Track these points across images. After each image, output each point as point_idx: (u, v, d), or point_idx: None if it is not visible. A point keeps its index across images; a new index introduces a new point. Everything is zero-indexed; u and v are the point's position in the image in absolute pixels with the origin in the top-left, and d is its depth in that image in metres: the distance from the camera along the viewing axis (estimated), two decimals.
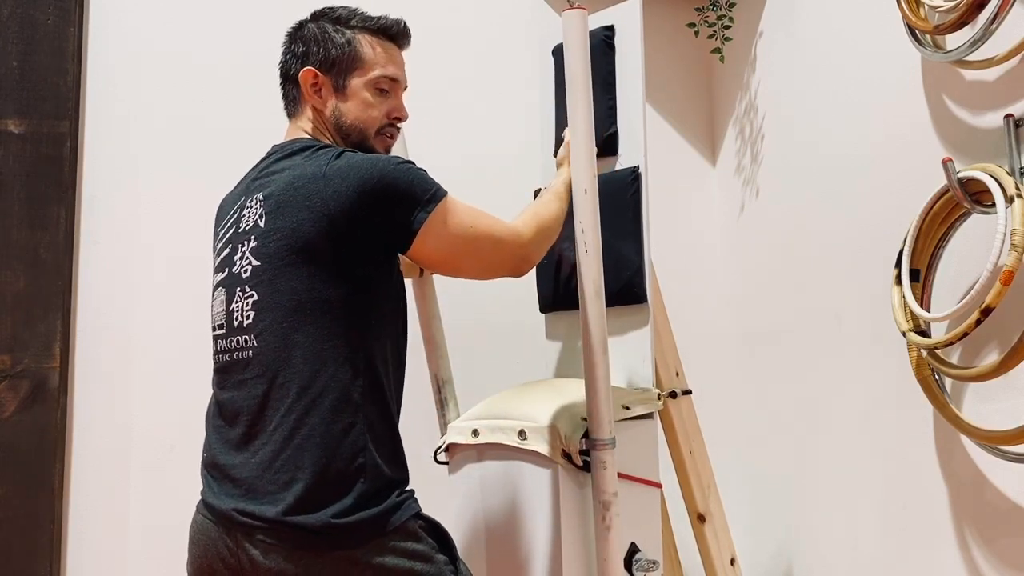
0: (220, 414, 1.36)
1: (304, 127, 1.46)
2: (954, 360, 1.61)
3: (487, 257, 1.41)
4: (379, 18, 1.49)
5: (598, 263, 1.56)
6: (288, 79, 1.49)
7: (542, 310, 2.04)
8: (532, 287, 2.05)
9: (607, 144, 1.91)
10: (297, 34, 1.49)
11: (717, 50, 2.40)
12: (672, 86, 2.59)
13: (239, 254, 1.35)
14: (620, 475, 1.59)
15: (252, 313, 1.31)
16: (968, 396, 1.60)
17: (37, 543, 1.99)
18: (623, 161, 1.92)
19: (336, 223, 1.26)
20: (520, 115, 2.38)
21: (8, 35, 2.11)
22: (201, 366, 2.14)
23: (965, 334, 1.42)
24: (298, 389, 1.26)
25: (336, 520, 1.21)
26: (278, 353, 1.27)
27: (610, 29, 1.94)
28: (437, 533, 1.37)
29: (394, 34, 1.50)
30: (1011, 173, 1.45)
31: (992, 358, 1.51)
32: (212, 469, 1.34)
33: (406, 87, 1.55)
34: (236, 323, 1.33)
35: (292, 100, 1.49)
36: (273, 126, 2.29)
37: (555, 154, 2.04)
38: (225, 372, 1.36)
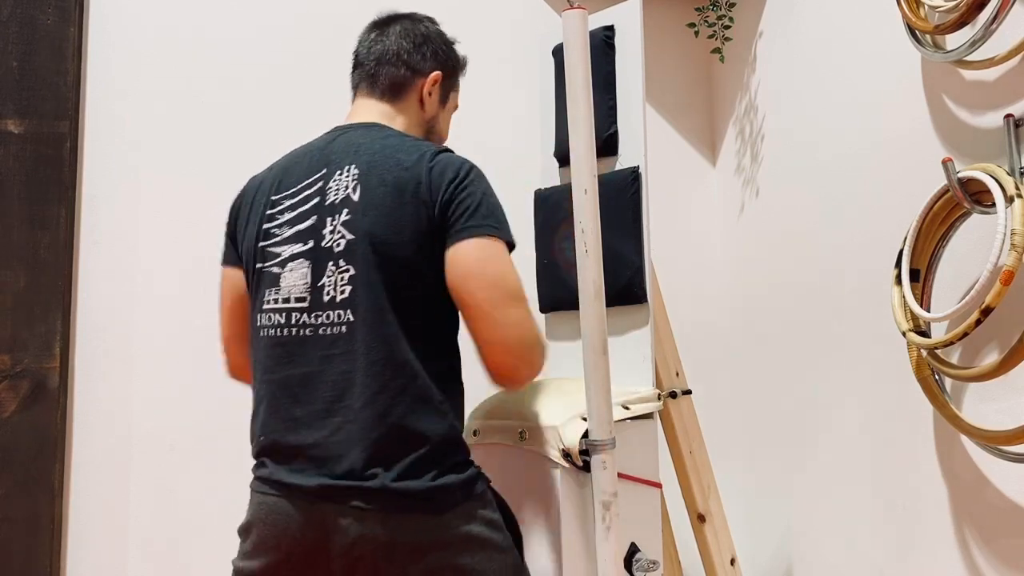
0: (286, 391, 1.34)
1: (393, 114, 1.51)
2: (954, 360, 1.61)
3: (507, 315, 1.35)
4: (463, 58, 1.66)
5: (598, 263, 1.56)
6: (406, 65, 1.53)
7: (542, 310, 2.04)
8: (532, 287, 2.05)
9: (607, 144, 1.91)
10: (421, 29, 1.57)
11: (717, 50, 2.40)
12: (672, 86, 2.59)
13: (329, 227, 1.35)
14: (620, 475, 1.59)
15: (349, 288, 1.32)
16: (968, 396, 1.60)
17: (37, 543, 1.99)
18: (623, 161, 1.92)
19: (432, 211, 1.33)
20: (520, 115, 2.38)
21: (8, 35, 2.11)
22: (201, 366, 2.14)
23: (965, 334, 1.42)
24: (393, 367, 1.29)
25: (435, 483, 1.27)
26: (375, 330, 1.30)
27: (610, 29, 1.94)
28: (502, 506, 1.44)
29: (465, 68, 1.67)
30: (1011, 173, 1.45)
31: (992, 358, 1.51)
32: (277, 451, 1.33)
33: None
34: (327, 297, 1.33)
35: (397, 85, 1.52)
36: (273, 125, 2.30)
37: (555, 154, 2.04)
38: (300, 346, 1.34)
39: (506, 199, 2.35)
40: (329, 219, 1.35)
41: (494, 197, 1.41)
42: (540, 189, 2.06)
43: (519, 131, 2.36)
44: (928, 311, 1.60)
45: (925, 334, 1.59)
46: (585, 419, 1.58)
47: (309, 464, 1.28)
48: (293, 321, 1.35)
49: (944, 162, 1.50)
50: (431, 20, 1.60)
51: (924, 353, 1.60)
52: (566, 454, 1.59)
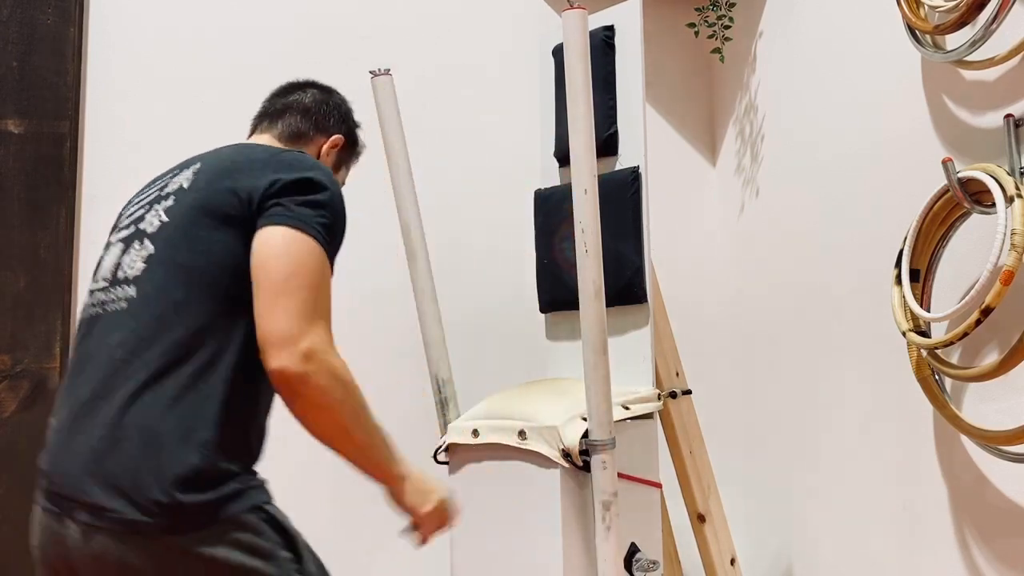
0: (71, 373, 1.24)
1: None
2: (954, 360, 1.61)
3: (284, 302, 1.15)
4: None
5: (598, 263, 1.56)
6: (312, 120, 1.51)
7: (542, 310, 2.04)
8: (532, 287, 2.05)
9: (607, 144, 1.91)
10: (335, 99, 1.58)
11: (717, 50, 2.40)
12: (672, 86, 2.59)
13: (152, 212, 1.29)
14: (620, 475, 1.59)
15: (143, 266, 1.22)
16: (968, 396, 1.60)
17: None
18: (623, 161, 1.92)
19: (253, 196, 1.21)
20: (520, 115, 2.38)
21: (8, 35, 2.11)
22: None
23: (965, 334, 1.42)
24: (161, 349, 1.15)
25: (165, 500, 1.08)
26: (151, 308, 1.18)
27: (610, 29, 1.94)
28: (282, 529, 1.21)
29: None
30: (1011, 173, 1.45)
31: (992, 358, 1.51)
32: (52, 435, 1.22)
33: None
34: (121, 275, 1.24)
35: (296, 135, 1.50)
36: None
37: (555, 154, 2.04)
38: (87, 325, 1.25)
39: (506, 199, 2.37)
40: (156, 205, 1.29)
41: (333, 184, 1.29)
42: (540, 189, 2.06)
43: (519, 131, 2.36)
44: (928, 311, 1.60)
45: (925, 334, 1.59)
46: (585, 419, 1.58)
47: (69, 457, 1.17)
48: (91, 301, 1.28)
49: (944, 162, 1.50)
50: (345, 99, 1.61)
51: (924, 353, 1.60)
52: (566, 454, 1.59)
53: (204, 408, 1.14)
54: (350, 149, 1.58)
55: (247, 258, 1.19)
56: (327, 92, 1.59)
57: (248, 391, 1.19)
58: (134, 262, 1.24)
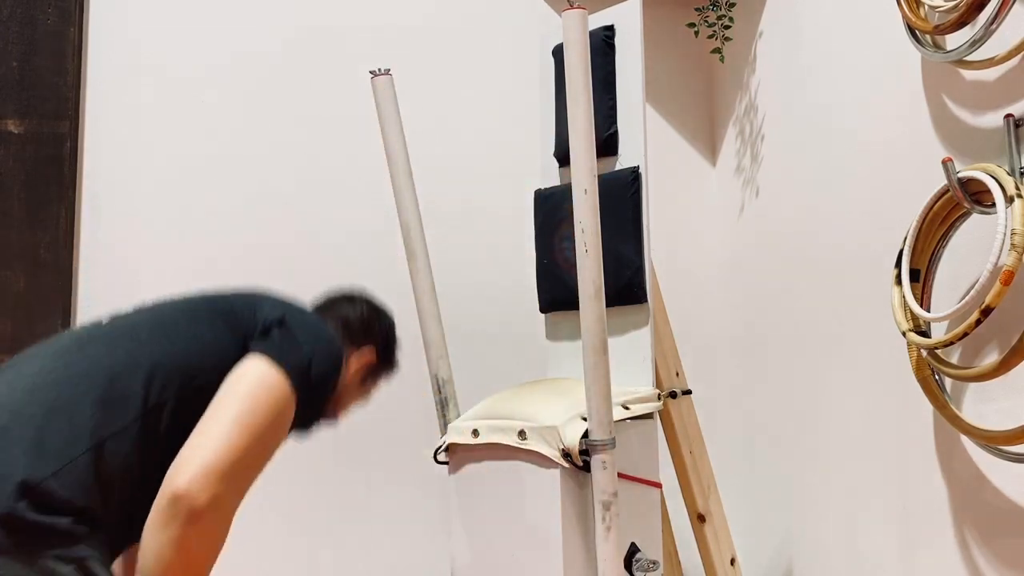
0: None
1: None
2: (954, 360, 1.61)
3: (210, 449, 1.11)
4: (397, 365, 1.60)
5: (598, 263, 1.56)
6: (346, 327, 1.47)
7: (542, 310, 2.04)
8: (532, 287, 2.05)
9: (607, 144, 1.91)
10: (385, 321, 1.55)
11: (717, 50, 2.40)
12: (672, 86, 2.59)
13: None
14: (620, 475, 1.59)
15: None
16: (968, 396, 1.60)
17: None
18: (623, 161, 1.92)
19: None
20: (520, 115, 2.38)
21: (8, 35, 2.11)
22: None
23: (965, 334, 1.42)
24: None
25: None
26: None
27: (610, 29, 1.94)
28: None
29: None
30: (1011, 173, 1.45)
31: (992, 358, 1.51)
32: None
33: None
34: None
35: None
36: (273, 125, 2.30)
37: (555, 154, 2.04)
38: None
39: (506, 199, 2.37)
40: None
41: (322, 342, 1.31)
42: (540, 189, 2.06)
43: (519, 131, 2.36)
44: (928, 311, 1.60)
45: (925, 334, 1.59)
46: (585, 419, 1.58)
47: None
48: None
49: (944, 162, 1.50)
50: (390, 324, 1.57)
51: (924, 353, 1.60)
52: (566, 454, 1.59)
53: None
54: (380, 368, 1.54)
55: None
56: (375, 311, 1.55)
57: None
58: None
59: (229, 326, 1.26)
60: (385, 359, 1.54)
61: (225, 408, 1.15)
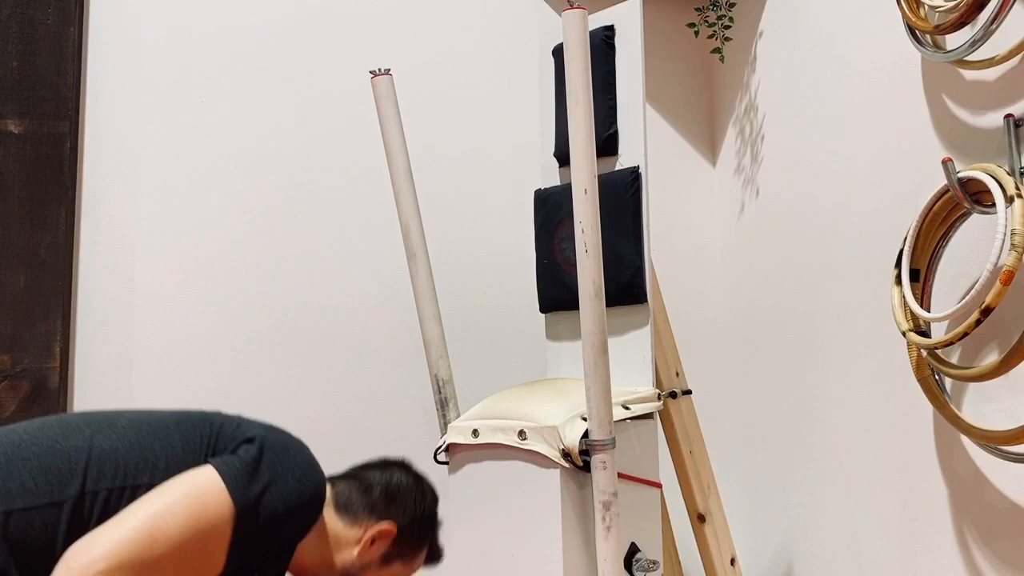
0: None
1: (337, 531, 1.33)
2: (954, 360, 1.61)
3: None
4: (441, 544, 1.47)
5: (598, 263, 1.56)
6: (368, 495, 1.37)
7: (542, 310, 2.04)
8: (532, 287, 2.05)
9: (607, 144, 1.91)
10: (414, 489, 1.43)
11: (717, 50, 2.40)
12: (672, 86, 2.59)
13: None
14: (620, 475, 1.59)
15: None
16: (968, 396, 1.60)
17: None
18: (623, 161, 1.92)
19: None
20: (520, 115, 2.38)
21: (8, 35, 2.11)
22: (201, 366, 2.14)
23: (965, 334, 1.42)
24: None
25: None
26: None
27: (610, 29, 1.94)
28: None
29: (435, 561, 1.45)
30: (1011, 173, 1.45)
31: (992, 358, 1.51)
32: None
33: None
34: None
35: (347, 503, 1.36)
36: (273, 125, 2.30)
37: (555, 154, 2.04)
38: None
39: (506, 199, 2.37)
40: None
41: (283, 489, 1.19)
42: (540, 189, 2.06)
43: (519, 131, 2.36)
44: (928, 311, 1.60)
45: (925, 334, 1.59)
46: (585, 419, 1.58)
47: None
48: None
49: (944, 162, 1.50)
50: (430, 495, 1.44)
51: (924, 353, 1.60)
52: (566, 454, 1.59)
53: None
54: (407, 546, 1.38)
55: None
56: (410, 477, 1.43)
57: None
58: None
59: (204, 438, 1.18)
60: (409, 537, 1.38)
61: (146, 502, 1.08)
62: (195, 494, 1.09)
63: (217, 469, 1.11)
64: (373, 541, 1.35)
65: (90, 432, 1.16)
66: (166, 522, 1.06)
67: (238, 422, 1.25)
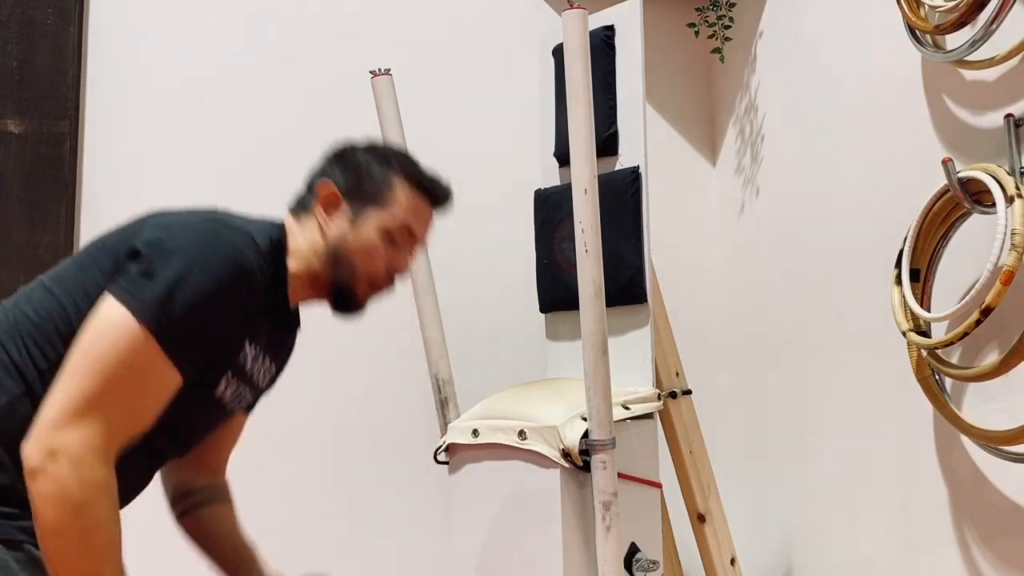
0: None
1: (298, 234, 1.28)
2: (954, 360, 1.61)
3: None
4: (426, 172, 1.33)
5: (598, 263, 1.56)
6: (309, 186, 1.31)
7: (542, 310, 2.04)
8: (532, 287, 2.05)
9: (607, 144, 1.91)
10: (341, 154, 1.32)
11: (717, 50, 2.40)
12: (672, 86, 2.59)
13: None
14: (620, 475, 1.59)
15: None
16: (968, 396, 1.60)
17: None
18: (623, 161, 1.92)
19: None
20: (520, 115, 2.38)
21: (8, 35, 2.11)
22: None
23: (965, 334, 1.42)
24: None
25: None
26: None
27: (610, 29, 1.94)
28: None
29: (434, 194, 1.32)
30: (1011, 173, 1.45)
31: (992, 358, 1.51)
32: None
33: (423, 244, 1.36)
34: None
35: (301, 204, 1.31)
36: (273, 126, 2.29)
37: (555, 154, 2.04)
38: None
39: (506, 199, 2.36)
40: None
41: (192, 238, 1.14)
42: (540, 189, 2.06)
43: (519, 131, 2.36)
44: (928, 311, 1.60)
45: (925, 334, 1.59)
46: (585, 419, 1.58)
47: None
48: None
49: (944, 162, 1.50)
50: (374, 147, 1.33)
51: (924, 353, 1.60)
52: (566, 454, 1.59)
53: None
54: (364, 191, 1.27)
55: None
56: (333, 153, 1.32)
57: None
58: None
59: (102, 269, 1.14)
60: (360, 183, 1.27)
61: (68, 365, 1.04)
62: (104, 331, 1.05)
63: (112, 294, 1.07)
64: (325, 211, 1.27)
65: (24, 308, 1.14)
66: (91, 370, 1.03)
67: (131, 234, 1.19)
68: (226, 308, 1.12)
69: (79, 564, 1.02)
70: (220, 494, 1.40)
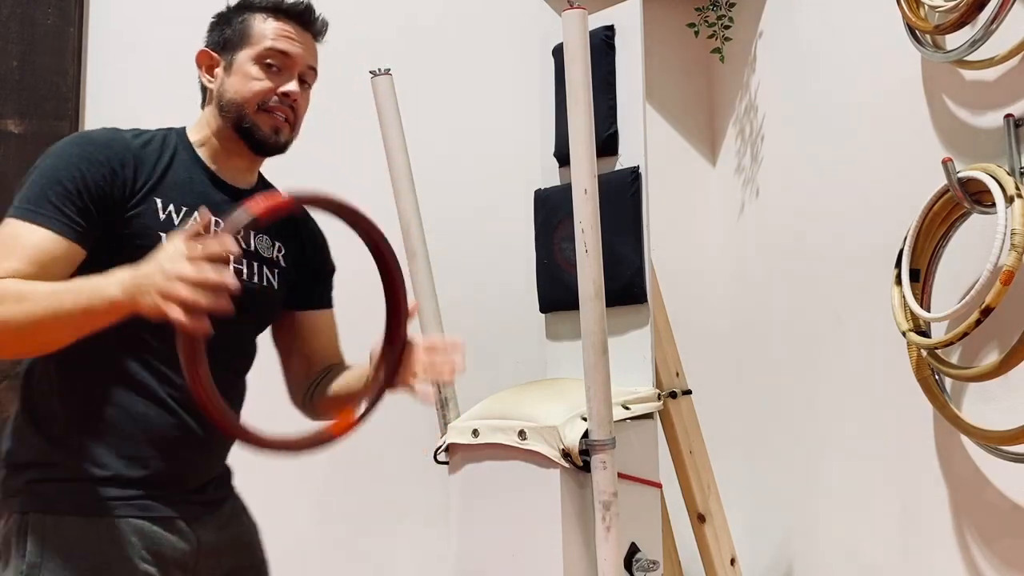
0: None
1: (200, 115, 1.42)
2: (954, 360, 1.61)
3: None
4: None
5: (598, 263, 1.56)
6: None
7: (542, 310, 2.04)
8: (532, 287, 2.05)
9: (607, 144, 1.91)
10: (210, 24, 1.43)
11: (717, 50, 2.40)
12: (672, 86, 2.59)
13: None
14: (620, 475, 1.59)
15: None
16: (968, 396, 1.60)
17: None
18: (623, 161, 1.92)
19: None
20: (520, 115, 2.38)
21: (8, 35, 2.11)
22: None
23: (965, 334, 1.42)
24: None
25: None
26: None
27: (610, 29, 1.94)
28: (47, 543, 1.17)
29: (292, 12, 1.39)
30: (1011, 173, 1.45)
31: (992, 358, 1.51)
32: None
33: (312, 70, 1.43)
34: None
35: (201, 89, 1.43)
36: None
37: (555, 154, 2.04)
38: None
39: (506, 199, 2.36)
40: None
41: (45, 158, 1.30)
42: (540, 189, 2.06)
43: (519, 131, 2.36)
44: (928, 311, 1.60)
45: (925, 334, 1.59)
46: (585, 419, 1.58)
47: None
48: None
49: (944, 162, 1.50)
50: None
51: (924, 353, 1.60)
52: (566, 454, 1.59)
53: None
54: (227, 39, 1.37)
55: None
56: (219, 10, 1.42)
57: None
58: None
59: None
60: (222, 33, 1.38)
61: None
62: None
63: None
64: (209, 74, 1.39)
65: None
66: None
67: None
68: (73, 169, 1.25)
69: (27, 323, 1.11)
70: (332, 370, 1.47)
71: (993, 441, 1.49)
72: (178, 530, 1.22)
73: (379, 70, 1.88)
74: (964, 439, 1.61)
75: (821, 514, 2.08)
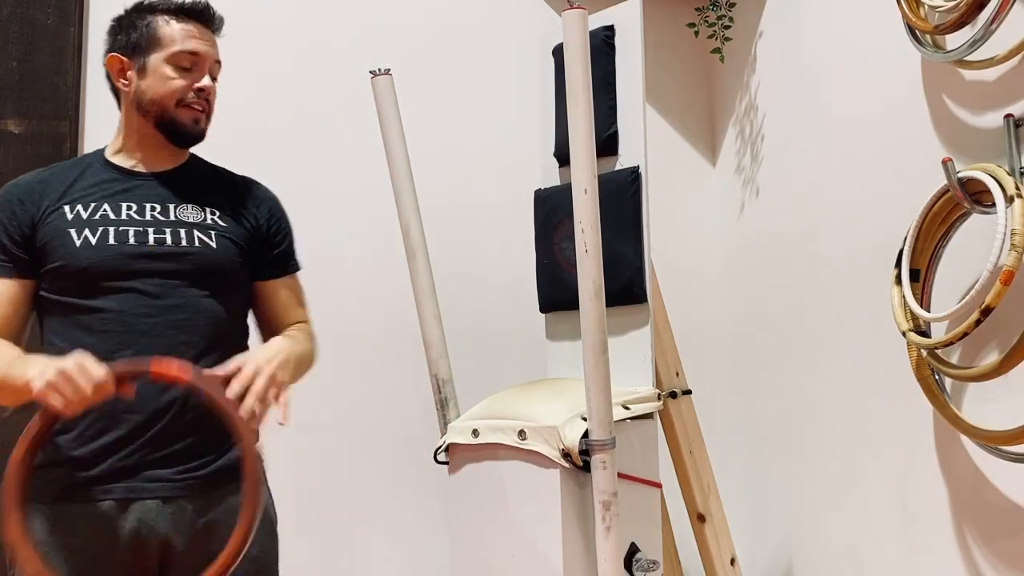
0: None
1: (118, 123, 1.50)
2: (954, 360, 1.61)
3: None
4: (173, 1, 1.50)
5: (598, 263, 1.56)
6: (107, 74, 1.50)
7: (542, 310, 2.04)
8: (532, 287, 2.05)
9: (607, 144, 1.91)
10: (110, 28, 1.50)
11: (717, 50, 2.40)
12: (672, 86, 2.59)
13: None
14: (620, 475, 1.59)
15: None
16: (968, 396, 1.60)
17: None
18: (623, 161, 1.92)
19: None
20: (520, 115, 2.38)
21: (8, 35, 2.11)
22: None
23: (965, 334, 1.42)
24: None
25: None
26: None
27: (610, 29, 1.94)
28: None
29: (193, 12, 1.48)
30: (1011, 173, 1.45)
31: (992, 358, 1.51)
32: None
33: (217, 63, 1.53)
34: None
35: (113, 91, 1.51)
36: (272, 127, 2.29)
37: (555, 154, 2.04)
38: None
39: (506, 199, 2.36)
40: None
41: None
42: (540, 189, 2.06)
43: (519, 131, 2.36)
44: (928, 311, 1.60)
45: (925, 334, 1.59)
46: (585, 419, 1.58)
47: None
48: None
49: (944, 162, 1.50)
50: (134, 6, 1.49)
51: (924, 353, 1.60)
52: (566, 454, 1.59)
53: None
54: (140, 46, 1.44)
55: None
56: (118, 15, 1.50)
57: None
58: None
59: None
60: (127, 37, 1.45)
61: None
62: None
63: None
64: (121, 79, 1.45)
65: None
66: None
67: None
68: None
69: None
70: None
71: (993, 441, 1.49)
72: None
73: (379, 70, 1.88)
74: (964, 439, 1.61)
75: (821, 514, 2.08)
